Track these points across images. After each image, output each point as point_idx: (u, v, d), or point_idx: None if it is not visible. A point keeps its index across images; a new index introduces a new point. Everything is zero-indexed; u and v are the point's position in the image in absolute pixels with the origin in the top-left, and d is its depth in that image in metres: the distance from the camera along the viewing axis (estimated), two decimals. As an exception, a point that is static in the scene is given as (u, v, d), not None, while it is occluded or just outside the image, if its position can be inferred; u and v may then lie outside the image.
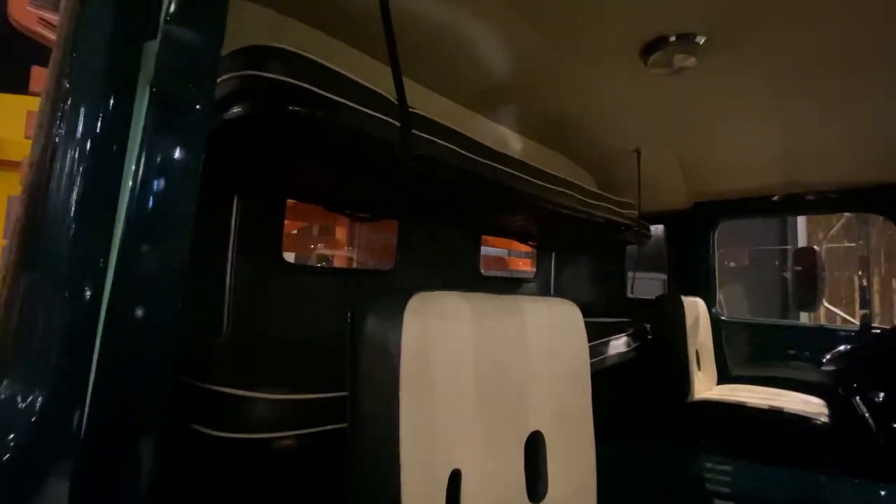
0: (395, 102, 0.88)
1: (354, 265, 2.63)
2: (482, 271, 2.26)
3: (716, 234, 2.43)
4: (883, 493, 1.18)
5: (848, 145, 1.81)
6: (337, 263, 2.69)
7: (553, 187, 1.50)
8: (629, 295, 2.67)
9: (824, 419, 1.63)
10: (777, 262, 5.18)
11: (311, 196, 1.45)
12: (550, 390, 0.73)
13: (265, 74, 0.66)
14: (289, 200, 1.40)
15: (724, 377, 2.25)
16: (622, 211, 1.94)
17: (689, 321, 2.00)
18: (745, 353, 2.31)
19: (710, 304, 2.34)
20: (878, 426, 1.61)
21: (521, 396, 0.68)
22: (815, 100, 1.55)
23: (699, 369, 2.09)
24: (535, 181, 1.37)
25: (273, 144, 0.88)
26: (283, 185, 1.28)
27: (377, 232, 2.29)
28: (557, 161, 2.38)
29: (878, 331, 1.84)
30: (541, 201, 1.48)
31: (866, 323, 1.95)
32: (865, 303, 4.25)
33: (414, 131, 0.94)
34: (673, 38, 1.29)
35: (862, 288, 4.50)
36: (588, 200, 1.71)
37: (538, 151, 2.28)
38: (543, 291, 2.63)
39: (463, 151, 1.05)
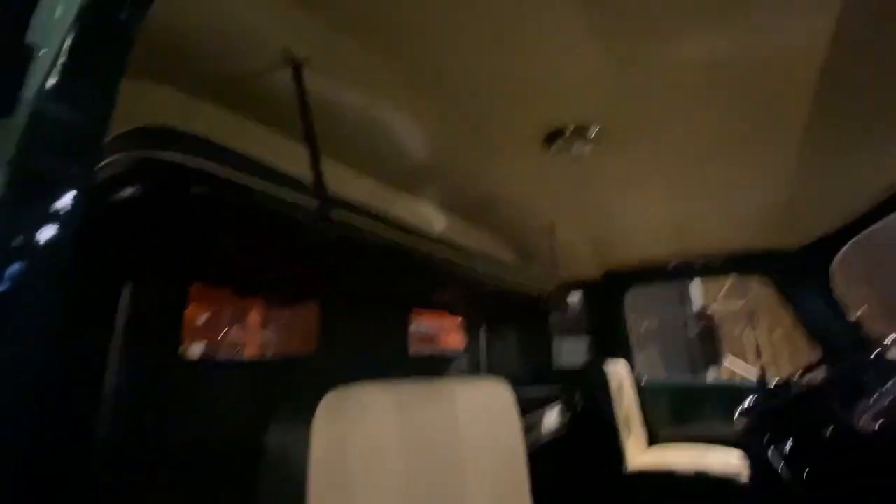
0: (312, 183, 0.86)
1: (270, 353, 2.41)
2: (410, 351, 2.18)
3: (626, 300, 2.62)
4: None
5: (730, 217, 2.09)
6: (252, 352, 2.44)
7: (475, 259, 1.53)
8: (555, 362, 2.72)
9: (745, 475, 1.69)
10: (681, 324, 5.71)
11: (220, 279, 1.33)
12: (486, 476, 0.68)
13: (159, 155, 0.61)
14: (196, 285, 1.26)
15: (652, 439, 2.30)
16: (542, 281, 2.02)
17: (614, 387, 2.06)
18: (668, 413, 2.40)
19: (631, 367, 2.44)
20: (792, 475, 1.70)
21: (457, 486, 0.62)
22: (699, 178, 1.80)
23: (629, 434, 2.11)
24: (457, 254, 1.39)
25: (170, 227, 0.80)
26: (185, 269, 1.16)
27: (298, 315, 2.15)
28: (480, 236, 2.48)
29: (775, 382, 2.03)
30: (464, 273, 1.50)
31: (763, 376, 2.13)
32: (758, 356, 4.79)
33: (333, 211, 0.92)
34: (570, 129, 1.45)
35: (755, 340, 5.08)
36: (509, 271, 1.77)
37: (461, 227, 2.36)
38: (474, 367, 2.59)
39: (384, 229, 1.04)
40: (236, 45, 1.00)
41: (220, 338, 2.37)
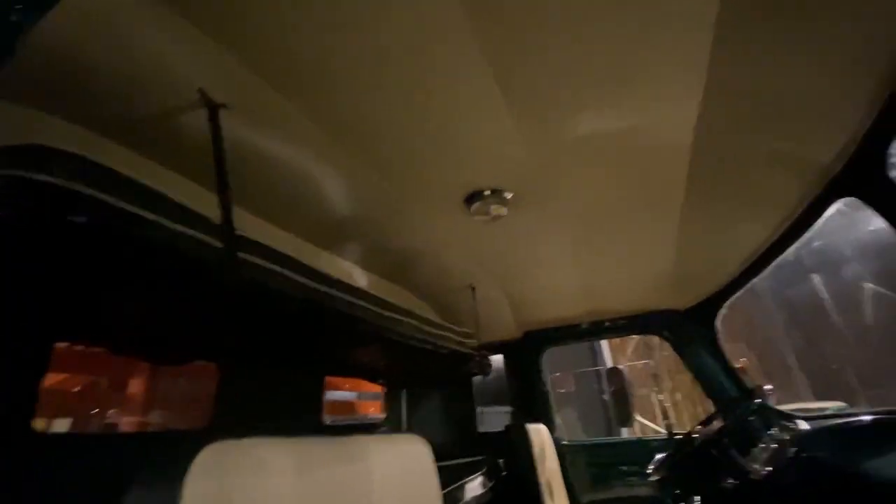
0: (219, 223, 0.80)
1: (154, 426, 2.05)
2: (325, 421, 2.00)
3: (543, 360, 2.69)
4: None
5: (629, 280, 2.30)
6: (130, 424, 2.06)
7: (397, 317, 1.49)
8: (479, 429, 2.65)
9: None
10: (594, 384, 5.99)
11: (94, 335, 1.14)
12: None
13: (28, 175, 0.53)
14: (62, 343, 1.07)
15: (573, 501, 2.26)
16: (464, 341, 2.02)
17: (536, 450, 2.03)
18: (588, 474, 2.40)
19: (552, 429, 2.45)
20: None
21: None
22: (601, 243, 1.97)
23: (552, 499, 2.06)
24: (379, 310, 1.34)
25: (28, 265, 0.68)
26: (48, 322, 0.98)
27: (192, 379, 1.88)
28: (401, 295, 2.46)
29: (679, 436, 2.14)
30: (386, 331, 1.44)
31: (670, 432, 2.25)
32: (664, 413, 5.14)
33: (242, 255, 0.85)
34: (488, 192, 1.54)
35: (660, 401, 5.45)
36: (432, 330, 1.74)
37: (382, 286, 2.33)
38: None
39: (299, 278, 0.98)
40: (149, 83, 0.96)
41: (91, 407, 1.97)
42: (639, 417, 3.44)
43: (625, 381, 2.36)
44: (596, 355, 6.57)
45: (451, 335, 1.90)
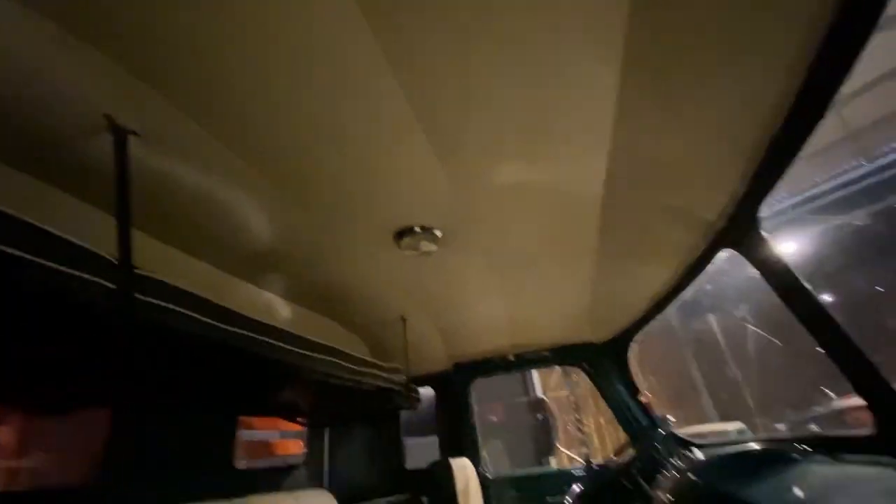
0: (115, 261, 0.74)
1: (25, 485, 1.75)
2: (238, 464, 1.84)
3: (472, 391, 2.72)
4: None
5: (551, 314, 2.42)
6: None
7: (318, 356, 1.44)
8: (407, 464, 2.58)
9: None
10: (524, 413, 6.13)
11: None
12: None
13: None
14: None
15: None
16: (391, 376, 1.99)
17: (460, 486, 2.02)
18: (512, 506, 2.43)
19: (477, 462, 2.46)
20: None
21: None
22: (524, 280, 2.07)
23: (476, 538, 2.05)
24: (297, 350, 1.29)
25: None
26: None
27: (78, 428, 1.64)
28: (330, 328, 2.38)
29: (597, 467, 2.25)
30: (306, 372, 1.38)
31: (587, 462, 2.36)
32: (583, 443, 5.39)
33: (140, 296, 0.79)
34: (418, 229, 1.57)
35: (579, 429, 5.70)
36: (356, 368, 1.70)
37: (309, 318, 2.25)
38: (315, 476, 2.29)
39: (205, 318, 0.92)
40: (51, 107, 0.88)
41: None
42: (560, 447, 3.55)
43: (547, 412, 2.44)
44: (527, 385, 6.75)
45: (378, 371, 1.86)
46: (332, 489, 2.18)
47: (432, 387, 2.77)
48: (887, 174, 8.01)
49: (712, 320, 9.06)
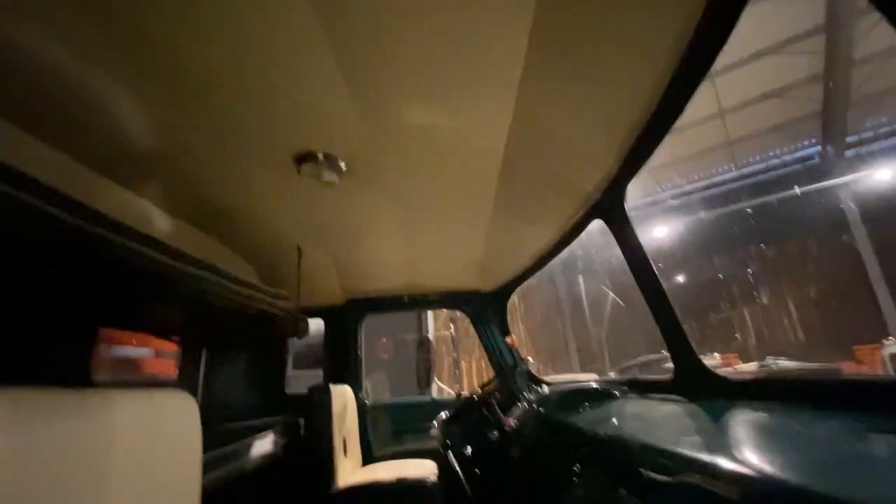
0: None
1: None
2: (97, 377, 1.72)
3: (363, 326, 2.81)
4: None
5: (446, 261, 2.55)
6: None
7: (195, 270, 1.38)
8: (288, 389, 2.64)
9: (434, 479, 2.02)
10: (413, 350, 6.54)
11: None
12: (144, 490, 0.60)
13: None
14: None
15: (368, 458, 2.46)
16: (277, 302, 1.97)
17: (337, 409, 2.13)
18: (386, 432, 2.64)
19: (357, 390, 2.60)
20: (466, 477, 2.11)
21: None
22: (427, 225, 2.13)
23: (346, 455, 2.21)
24: (171, 261, 1.22)
25: None
26: None
27: None
28: (216, 250, 2.25)
29: (461, 396, 2.53)
30: (179, 286, 1.32)
31: (458, 394, 2.64)
32: (456, 377, 6.03)
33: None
34: (321, 157, 1.53)
35: (456, 367, 6.31)
36: (238, 289, 1.66)
37: (193, 237, 2.09)
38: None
39: (60, 213, 0.83)
40: None
41: None
42: (439, 382, 3.88)
43: (430, 350, 2.63)
44: (422, 324, 7.12)
45: (263, 296, 1.83)
46: (206, 409, 2.16)
47: (323, 319, 2.80)
48: (746, 182, 9.48)
49: (581, 284, 10.20)
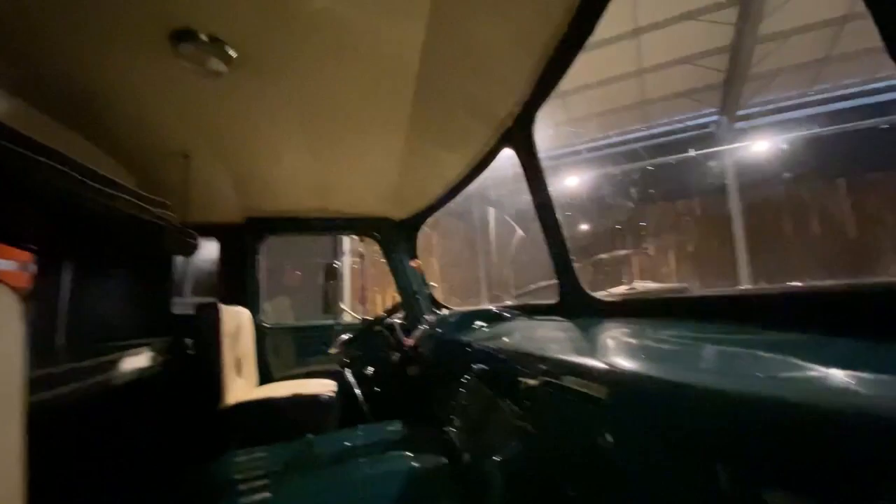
0: None
1: None
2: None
3: (264, 248, 2.64)
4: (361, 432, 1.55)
5: (359, 185, 2.42)
6: None
7: (49, 162, 1.15)
8: (176, 308, 2.44)
9: (330, 395, 2.05)
10: (321, 275, 6.42)
11: None
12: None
13: None
14: None
15: (267, 381, 2.42)
16: (157, 211, 1.75)
17: (230, 329, 2.03)
18: (287, 354, 2.59)
19: (255, 312, 2.49)
20: (364, 394, 2.17)
21: None
22: (335, 142, 1.97)
23: (240, 376, 2.14)
24: (22, 150, 1.00)
25: None
26: None
27: None
28: (85, 150, 1.90)
29: (365, 320, 2.54)
30: (29, 181, 1.10)
31: (363, 318, 2.65)
32: (363, 301, 6.25)
33: None
34: (204, 37, 1.30)
35: (363, 292, 6.47)
36: (107, 190, 1.43)
37: (56, 132, 1.74)
38: (43, 315, 1.97)
39: None
40: None
41: None
42: (345, 307, 3.88)
43: (336, 276, 2.58)
44: (337, 249, 6.95)
45: (135, 201, 1.61)
46: (70, 326, 1.93)
47: (218, 238, 2.57)
48: (654, 141, 10.23)
49: (491, 217, 10.55)
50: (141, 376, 1.66)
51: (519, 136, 1.55)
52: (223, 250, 2.58)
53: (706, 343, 0.79)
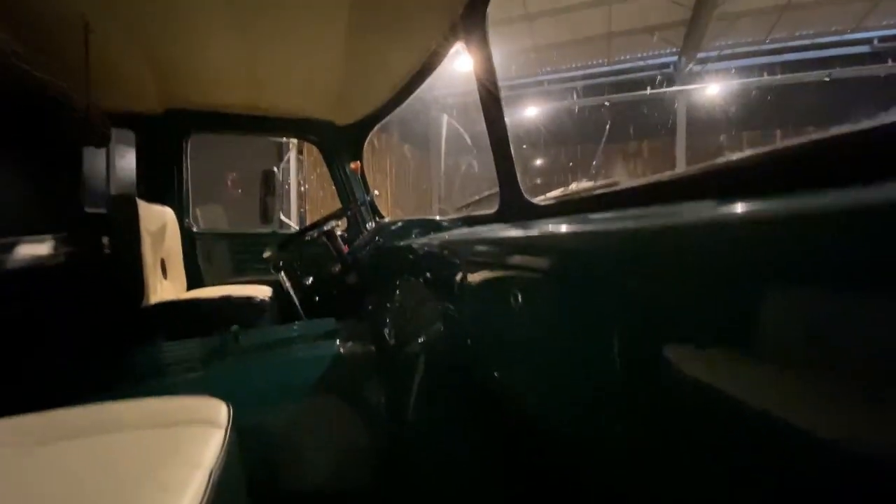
0: None
1: None
2: None
3: (188, 145, 2.41)
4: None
5: (298, 82, 2.19)
6: None
7: None
8: (88, 209, 2.21)
9: (264, 298, 2.00)
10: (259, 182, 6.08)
11: None
12: None
13: None
14: None
15: (196, 286, 2.32)
16: (58, 85, 1.51)
17: (151, 227, 1.88)
18: (219, 261, 2.48)
19: (183, 215, 2.32)
20: (300, 300, 2.14)
21: None
22: (270, 28, 1.74)
23: (165, 278, 2.03)
24: None
25: None
26: None
27: None
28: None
29: (302, 226, 2.46)
30: None
31: (301, 227, 2.55)
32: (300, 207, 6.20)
33: None
34: None
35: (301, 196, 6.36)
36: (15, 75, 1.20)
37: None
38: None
39: None
40: None
41: None
42: (282, 216, 3.74)
43: (275, 183, 2.42)
44: (282, 153, 6.53)
45: (30, 69, 1.37)
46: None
47: (134, 129, 2.30)
48: (615, 78, 10.13)
49: (443, 123, 10.26)
50: (45, 264, 1.52)
51: (469, 28, 1.43)
52: (140, 144, 2.32)
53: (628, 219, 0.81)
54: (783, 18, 8.25)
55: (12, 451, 0.56)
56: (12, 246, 1.47)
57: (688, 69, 9.02)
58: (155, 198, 2.22)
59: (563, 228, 0.81)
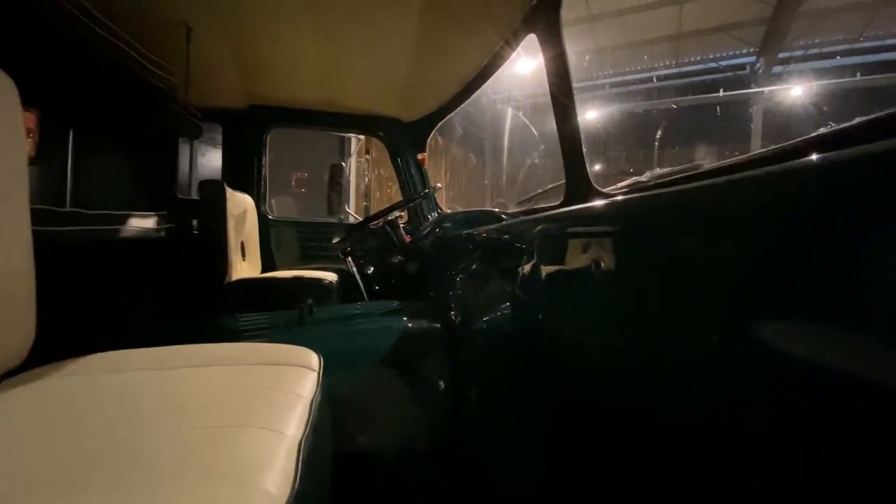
0: None
1: None
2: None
3: (268, 138, 2.59)
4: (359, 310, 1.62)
5: (367, 81, 2.31)
6: None
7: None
8: (180, 196, 2.45)
9: (331, 280, 2.12)
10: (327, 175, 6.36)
11: None
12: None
13: None
14: None
15: (269, 269, 2.49)
16: (163, 77, 1.69)
17: (234, 212, 2.05)
18: (290, 246, 2.65)
19: (261, 203, 2.50)
20: (364, 284, 2.23)
21: None
22: (343, 30, 1.85)
23: (244, 259, 2.20)
24: None
25: None
26: None
27: None
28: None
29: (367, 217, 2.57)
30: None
31: (367, 216, 2.66)
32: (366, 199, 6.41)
33: None
34: None
35: (367, 193, 6.57)
36: (128, 75, 1.38)
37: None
38: (52, 186, 1.98)
39: None
40: None
41: None
42: (347, 208, 3.91)
43: (342, 176, 2.55)
44: (345, 149, 6.81)
45: (143, 61, 1.55)
46: (76, 194, 1.95)
47: (222, 125, 2.52)
48: (681, 81, 9.66)
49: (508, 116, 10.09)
50: (145, 237, 1.70)
51: (543, 18, 1.44)
52: (227, 137, 2.54)
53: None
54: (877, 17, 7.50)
55: (146, 375, 0.65)
56: (125, 218, 1.66)
57: (767, 70, 8.40)
58: (237, 186, 2.42)
59: (639, 204, 0.80)
